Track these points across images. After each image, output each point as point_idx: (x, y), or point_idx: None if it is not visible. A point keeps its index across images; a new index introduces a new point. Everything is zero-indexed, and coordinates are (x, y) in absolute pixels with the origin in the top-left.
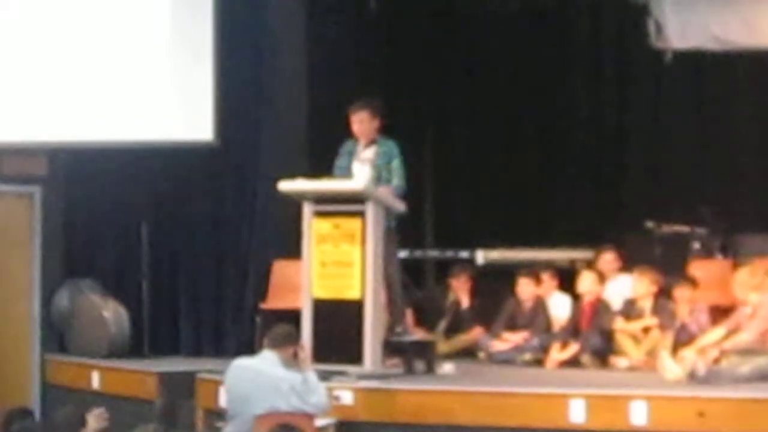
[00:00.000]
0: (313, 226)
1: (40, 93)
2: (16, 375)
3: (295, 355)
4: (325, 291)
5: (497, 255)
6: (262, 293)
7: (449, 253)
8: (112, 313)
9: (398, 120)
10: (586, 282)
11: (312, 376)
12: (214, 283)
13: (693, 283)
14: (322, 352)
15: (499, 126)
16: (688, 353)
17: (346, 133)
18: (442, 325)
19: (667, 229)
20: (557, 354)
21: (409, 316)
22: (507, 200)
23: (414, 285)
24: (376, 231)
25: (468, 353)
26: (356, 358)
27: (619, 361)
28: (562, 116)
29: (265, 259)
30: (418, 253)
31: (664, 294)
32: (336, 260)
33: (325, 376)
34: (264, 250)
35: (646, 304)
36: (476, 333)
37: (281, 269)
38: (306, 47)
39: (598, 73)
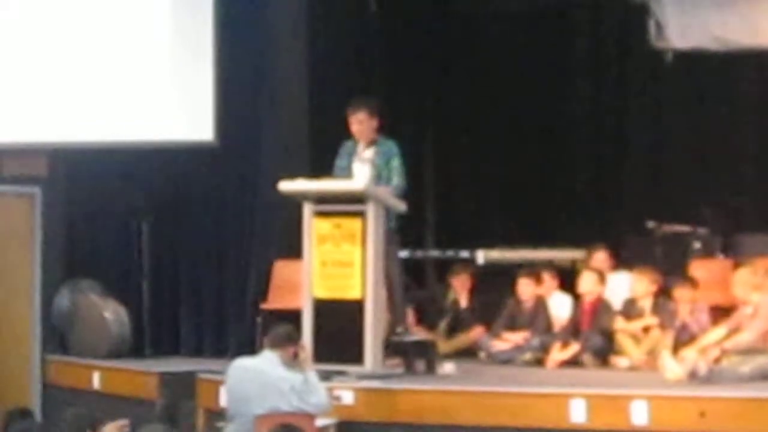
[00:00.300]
0: (314, 226)
1: (41, 94)
2: (17, 375)
3: (296, 355)
4: (326, 291)
5: (498, 255)
6: (263, 293)
7: (450, 253)
8: (113, 314)
9: (399, 120)
10: (586, 282)
11: (312, 376)
12: (215, 283)
13: (694, 282)
14: (322, 352)
15: (500, 126)
16: (689, 353)
17: (347, 134)
18: (443, 324)
19: (668, 228)
20: (558, 354)
21: (410, 315)
22: (508, 200)
23: (415, 285)
24: (376, 231)
25: (469, 353)
26: (357, 358)
27: (620, 361)
28: (563, 116)
29: (266, 259)
30: (418, 253)
31: (664, 294)
32: (337, 260)
33: (325, 376)
34: (265, 250)
35: (646, 304)
36: (477, 333)
37: (282, 269)
38: (306, 47)
39: (598, 72)
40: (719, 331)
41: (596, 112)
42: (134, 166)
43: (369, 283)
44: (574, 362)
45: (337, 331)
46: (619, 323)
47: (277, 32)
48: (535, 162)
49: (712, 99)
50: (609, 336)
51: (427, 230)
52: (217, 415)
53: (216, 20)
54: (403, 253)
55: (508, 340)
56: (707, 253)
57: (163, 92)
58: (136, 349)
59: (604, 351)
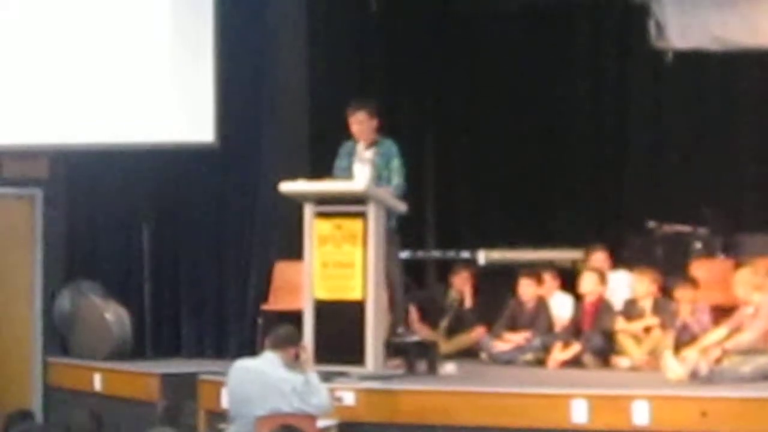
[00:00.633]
0: (315, 227)
1: (42, 95)
2: (18, 377)
3: (297, 356)
4: (327, 292)
5: (499, 255)
6: (264, 294)
7: (451, 254)
8: (114, 315)
9: (399, 120)
10: (587, 282)
11: (314, 377)
12: (216, 285)
13: (694, 283)
14: (323, 353)
15: (500, 126)
16: (690, 353)
17: (347, 134)
18: (444, 324)
19: (669, 229)
20: (559, 354)
21: (413, 313)
22: (508, 200)
23: (415, 285)
24: (377, 231)
25: (470, 353)
26: (358, 358)
27: (621, 361)
28: (563, 116)
29: (267, 260)
30: (419, 254)
31: (665, 294)
32: (337, 261)
33: (326, 377)
34: (265, 251)
35: (647, 304)
36: (478, 333)
37: (283, 270)
38: (307, 48)
39: (598, 73)
40: (720, 332)
41: (596, 112)
42: (135, 168)
43: (370, 284)
44: (575, 362)
45: (338, 332)
46: (620, 323)
47: (278, 33)
48: (535, 162)
49: (712, 99)
50: (610, 336)
51: (428, 230)
52: (218, 416)
53: (216, 21)
54: (404, 254)
55: (509, 341)
56: (708, 253)
57: (163, 93)
58: (137, 351)
59: (605, 351)
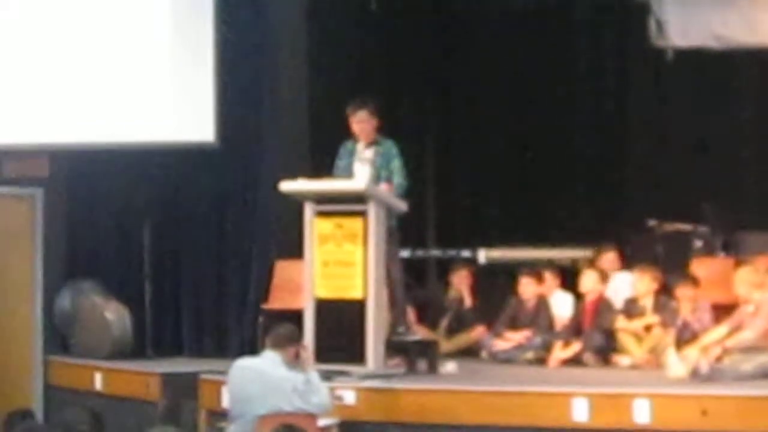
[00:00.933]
0: (315, 226)
1: (42, 95)
2: (19, 376)
3: (298, 356)
4: (328, 291)
5: (499, 254)
6: (264, 293)
7: (451, 253)
8: (115, 314)
9: (400, 119)
10: (588, 281)
11: (314, 376)
12: (217, 284)
13: (695, 281)
14: (324, 352)
15: (501, 124)
16: (691, 351)
17: (347, 133)
18: (444, 323)
19: (669, 227)
20: (559, 352)
21: (411, 314)
22: (509, 199)
23: (416, 284)
24: (377, 230)
25: (470, 352)
26: (359, 357)
27: (622, 360)
28: (564, 114)
29: (267, 260)
30: (420, 253)
31: (666, 292)
32: (338, 260)
33: (327, 376)
34: (266, 250)
35: (648, 303)
36: (478, 332)
37: (283, 269)
38: (307, 48)
39: (599, 71)
40: (721, 330)
41: (597, 110)
42: (135, 167)
43: (370, 283)
44: (575, 361)
45: (339, 331)
46: (621, 322)
47: (278, 32)
48: (535, 160)
49: (712, 97)
50: (610, 335)
51: (429, 229)
52: (219, 415)
53: (216, 20)
54: (404, 253)
55: (509, 339)
56: (708, 251)
57: (163, 93)
58: (137, 350)
59: (606, 350)
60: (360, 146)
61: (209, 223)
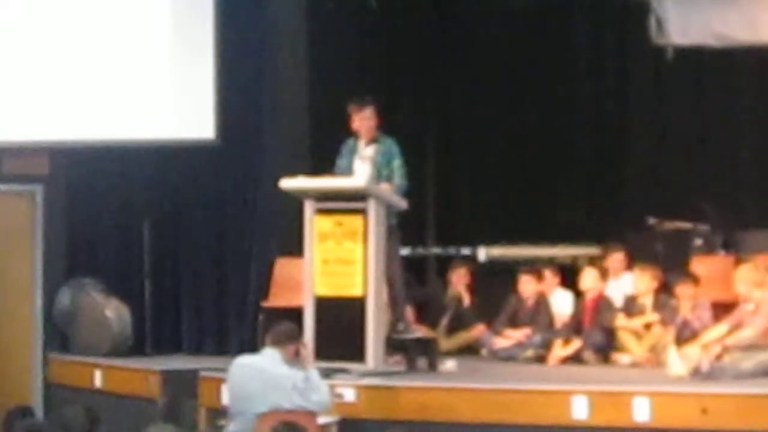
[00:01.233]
0: (315, 224)
1: (42, 92)
2: (19, 374)
3: (297, 353)
4: (328, 288)
5: (499, 252)
6: (264, 291)
7: (451, 250)
8: (115, 312)
9: (400, 118)
10: (588, 279)
11: (314, 374)
12: (216, 281)
13: (695, 279)
14: (324, 350)
15: (501, 123)
16: (691, 350)
17: (347, 131)
18: (444, 322)
19: (669, 225)
20: (559, 350)
21: (409, 313)
22: (509, 197)
23: (416, 282)
24: (377, 228)
25: (470, 350)
26: (358, 355)
27: (621, 358)
28: (564, 113)
29: (267, 257)
30: (420, 251)
31: (666, 290)
32: (338, 258)
33: (327, 374)
34: (266, 247)
35: (648, 301)
36: (478, 330)
37: (283, 267)
38: (307, 45)
39: (599, 69)
40: (721, 328)
41: (597, 109)
42: (135, 165)
43: (370, 281)
44: (575, 359)
45: (339, 329)
46: (621, 320)
47: (278, 30)
48: (535, 159)
49: (712, 95)
50: (610, 333)
51: (428, 227)
52: (219, 413)
53: (216, 18)
54: (405, 251)
55: (509, 337)
56: (709, 249)
57: (164, 90)
58: (137, 348)
59: (606, 348)
60: (361, 144)
61: (209, 221)
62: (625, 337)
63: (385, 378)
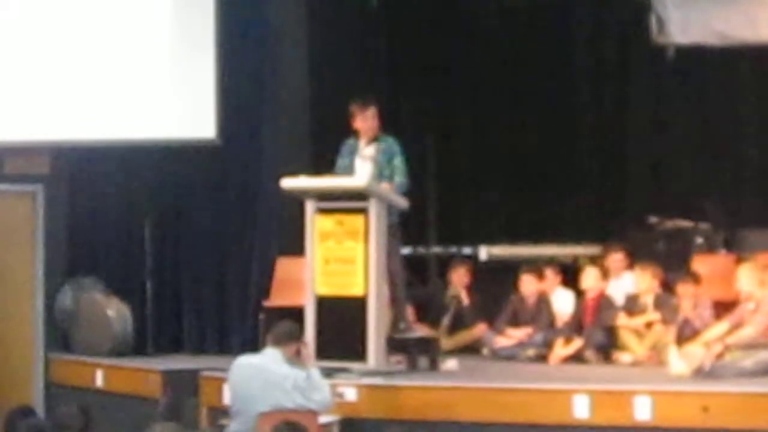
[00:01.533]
0: (316, 223)
1: (43, 92)
2: (20, 374)
3: (299, 353)
4: (329, 288)
5: (500, 251)
6: (266, 291)
7: (452, 250)
8: (116, 312)
9: (401, 116)
10: (589, 278)
11: (315, 373)
12: (218, 281)
13: (696, 278)
14: (325, 349)
15: (502, 122)
16: (692, 348)
17: (348, 131)
18: (445, 321)
19: (670, 224)
20: (561, 350)
21: (410, 312)
22: (510, 196)
23: (417, 281)
24: (379, 227)
25: (471, 349)
26: (360, 354)
27: (623, 357)
28: (565, 112)
29: (268, 257)
30: (421, 250)
31: (667, 289)
32: (339, 257)
33: (328, 373)
34: (267, 247)
35: (649, 299)
36: (479, 329)
37: (284, 266)
38: (308, 44)
39: (600, 68)
40: (722, 327)
41: (598, 107)
42: (136, 164)
43: (372, 280)
44: (576, 358)
45: (340, 328)
46: (622, 319)
47: (279, 29)
48: (536, 157)
49: (713, 94)
50: (612, 332)
51: (429, 226)
52: (220, 412)
53: (217, 18)
54: (406, 250)
55: (510, 337)
56: (710, 248)
57: (165, 90)
58: (138, 347)
59: (607, 347)
60: (362, 143)
61: (210, 220)
62: (626, 336)
63: (386, 377)
